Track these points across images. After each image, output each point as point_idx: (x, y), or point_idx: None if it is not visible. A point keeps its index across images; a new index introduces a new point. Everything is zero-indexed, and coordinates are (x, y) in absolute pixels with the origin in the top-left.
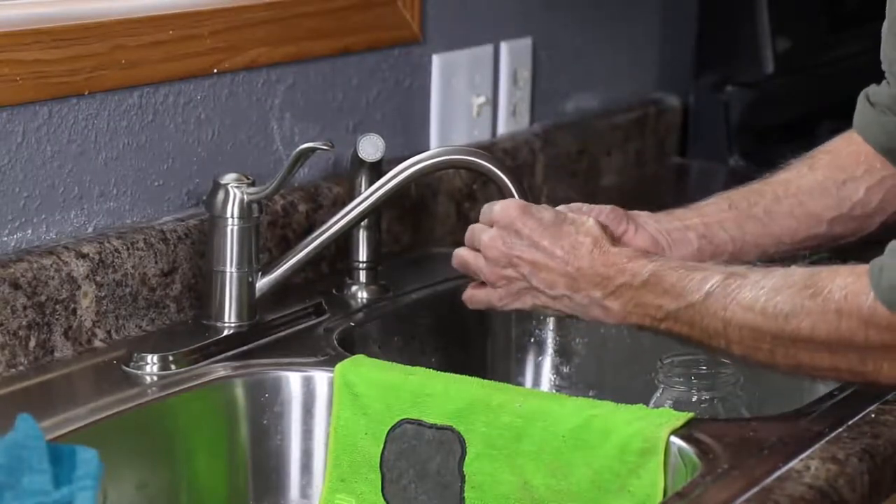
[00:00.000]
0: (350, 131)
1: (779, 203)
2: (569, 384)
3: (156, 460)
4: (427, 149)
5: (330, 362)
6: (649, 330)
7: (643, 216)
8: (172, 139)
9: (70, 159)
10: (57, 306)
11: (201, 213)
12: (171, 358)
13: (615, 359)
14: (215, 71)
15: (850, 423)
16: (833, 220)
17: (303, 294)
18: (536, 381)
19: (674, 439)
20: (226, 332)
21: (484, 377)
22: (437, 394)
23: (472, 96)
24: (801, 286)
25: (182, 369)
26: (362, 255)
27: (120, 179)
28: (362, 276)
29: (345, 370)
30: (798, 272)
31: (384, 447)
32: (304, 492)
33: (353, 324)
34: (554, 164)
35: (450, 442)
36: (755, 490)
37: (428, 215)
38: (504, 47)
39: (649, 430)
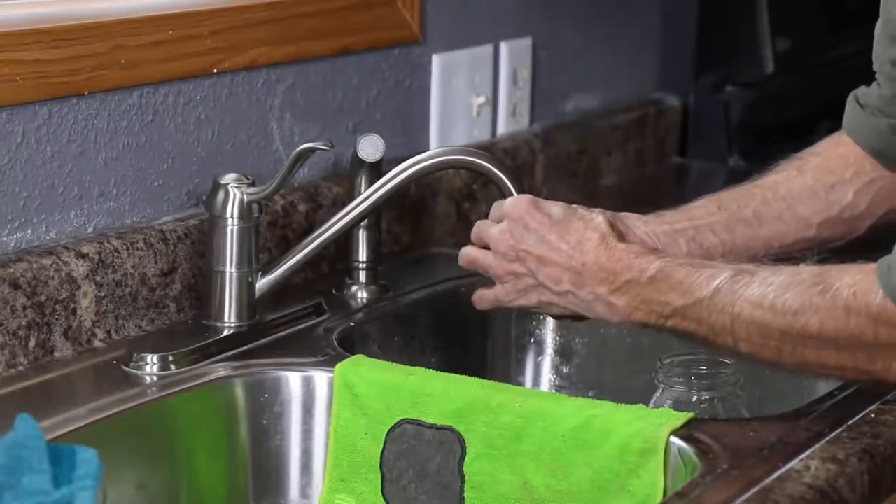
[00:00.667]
0: (350, 131)
1: (768, 206)
2: (569, 384)
3: (156, 460)
4: (427, 149)
5: (330, 362)
6: (654, 327)
7: (632, 218)
8: (172, 139)
9: (70, 159)
10: (57, 306)
11: (201, 213)
12: (170, 358)
13: (615, 359)
14: (215, 71)
15: (850, 423)
16: (822, 224)
17: (303, 294)
18: (536, 381)
19: (674, 439)
20: (226, 332)
21: (484, 377)
22: (437, 394)
23: (472, 96)
24: (810, 283)
25: (182, 369)
26: (362, 255)
27: (120, 179)
28: (362, 276)
29: (345, 370)
30: (807, 270)
31: (384, 447)
32: (304, 492)
33: (353, 324)
34: (554, 164)
35: (450, 442)
36: (755, 490)
37: (428, 215)
38: (504, 47)
39: (649, 430)
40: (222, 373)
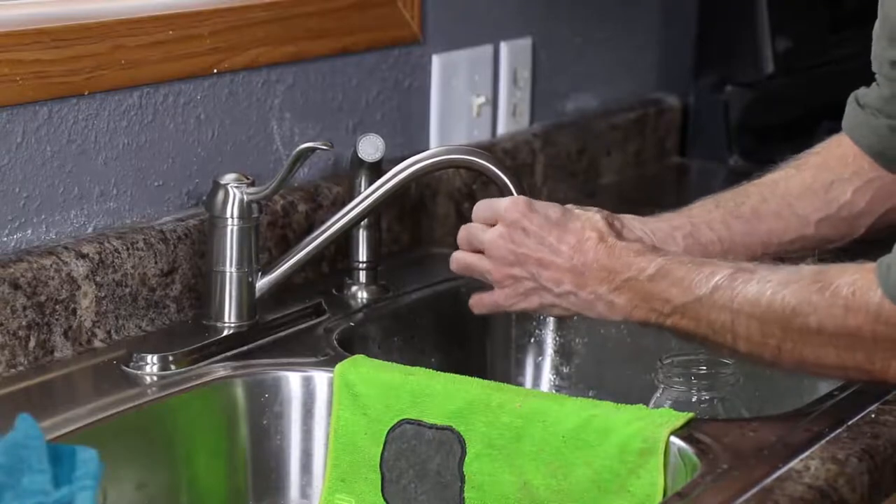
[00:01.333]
0: (350, 131)
1: (766, 203)
2: (569, 384)
3: (156, 460)
4: (427, 149)
5: (330, 362)
6: (654, 326)
7: (628, 218)
8: (172, 139)
9: (70, 159)
10: (57, 306)
11: (201, 213)
12: (171, 358)
13: (615, 359)
14: (215, 71)
15: (850, 423)
16: (820, 222)
17: (303, 294)
18: (536, 381)
19: (674, 439)
20: (226, 332)
21: (484, 377)
22: (437, 394)
23: (471, 96)
24: (810, 281)
25: (182, 369)
26: (362, 255)
27: (120, 179)
28: (362, 276)
29: (345, 370)
30: (806, 268)
31: (384, 447)
32: (304, 492)
33: (352, 324)
34: (554, 164)
35: (450, 442)
36: (755, 490)
37: (428, 215)
38: (504, 47)
39: (649, 430)
40: (222, 373)
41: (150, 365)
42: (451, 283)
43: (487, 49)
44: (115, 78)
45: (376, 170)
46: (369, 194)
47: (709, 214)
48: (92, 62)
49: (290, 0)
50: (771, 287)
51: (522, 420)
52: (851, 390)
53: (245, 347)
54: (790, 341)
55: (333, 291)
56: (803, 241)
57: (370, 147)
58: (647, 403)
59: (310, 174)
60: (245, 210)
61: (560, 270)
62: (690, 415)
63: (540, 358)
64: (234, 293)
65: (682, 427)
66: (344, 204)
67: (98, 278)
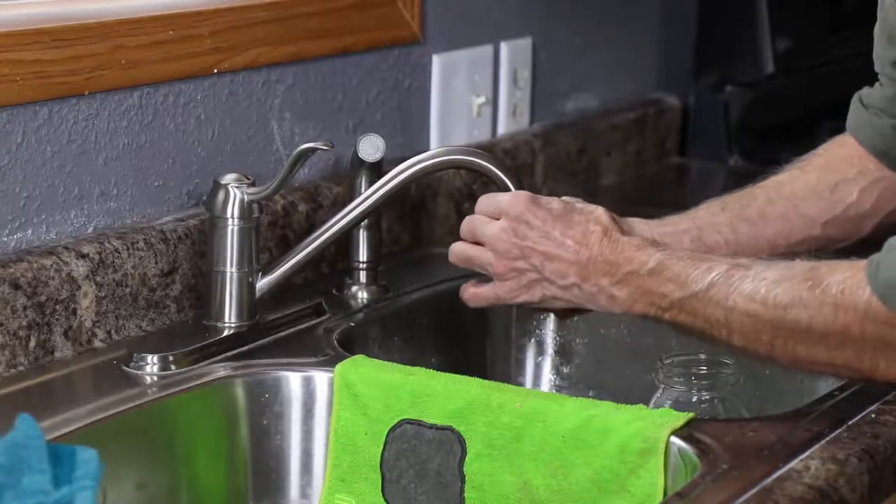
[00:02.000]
0: (350, 131)
1: (772, 205)
2: (569, 384)
3: (156, 460)
4: (427, 149)
5: (330, 362)
6: (654, 319)
7: (635, 221)
8: (172, 139)
9: (70, 159)
10: (57, 306)
11: (201, 213)
12: (171, 358)
13: (615, 359)
14: (215, 71)
15: (850, 423)
16: (827, 223)
17: (303, 294)
18: (536, 381)
19: (674, 439)
20: (226, 333)
21: (484, 377)
22: (437, 394)
23: (472, 96)
24: (801, 279)
25: (182, 369)
26: (362, 255)
27: (120, 179)
28: (362, 276)
29: (345, 370)
30: (799, 265)
31: (384, 447)
32: (304, 492)
33: (353, 324)
34: (554, 164)
35: (450, 442)
36: (755, 490)
37: (428, 216)
38: (504, 47)
39: (649, 430)
40: (222, 373)
41: (151, 365)
42: (451, 283)
43: (487, 49)
44: (115, 78)
45: (376, 170)
46: (370, 195)
47: (715, 217)
48: (92, 62)
49: (290, 0)
50: (765, 285)
51: (522, 420)
52: (851, 390)
53: (245, 347)
54: (782, 338)
55: (334, 291)
56: (810, 242)
57: (370, 147)
58: (647, 403)
59: (310, 174)
60: (245, 210)
61: (565, 263)
62: (690, 415)
63: (540, 358)
64: (234, 293)
65: (682, 427)
66: (344, 204)
67: (98, 278)
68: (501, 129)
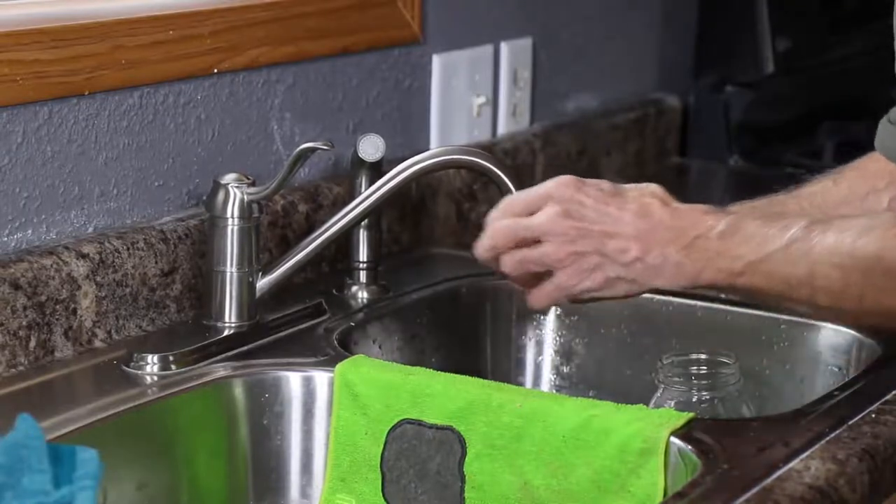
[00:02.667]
0: (350, 131)
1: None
2: (569, 384)
3: (156, 460)
4: (427, 149)
5: (330, 362)
6: (723, 288)
7: None
8: (172, 139)
9: (70, 159)
10: (57, 306)
11: (201, 213)
12: (171, 358)
13: (615, 359)
14: (215, 71)
15: (850, 423)
16: None
17: (303, 294)
18: (536, 381)
19: (674, 439)
20: (226, 332)
21: (484, 377)
22: (437, 394)
23: (472, 96)
24: (891, 225)
25: (182, 369)
26: (362, 255)
27: (120, 179)
28: (362, 276)
29: (345, 370)
30: (884, 214)
31: (384, 447)
32: (304, 492)
33: (353, 324)
34: (554, 164)
35: (450, 442)
36: (755, 490)
37: (428, 216)
38: (504, 47)
39: (649, 430)
40: (222, 373)
41: (151, 365)
42: (451, 283)
43: (487, 49)
44: (115, 78)
45: (377, 170)
46: (370, 194)
47: None
48: (92, 62)
49: (290, 0)
50: (850, 235)
51: (522, 420)
52: (851, 390)
53: (245, 347)
54: (873, 289)
55: (334, 291)
56: None
57: (370, 147)
58: (647, 403)
59: (310, 174)
60: (245, 210)
61: (625, 238)
62: (690, 415)
63: (540, 358)
64: (234, 293)
65: (682, 427)
66: (344, 204)
67: (98, 278)
68: (501, 129)
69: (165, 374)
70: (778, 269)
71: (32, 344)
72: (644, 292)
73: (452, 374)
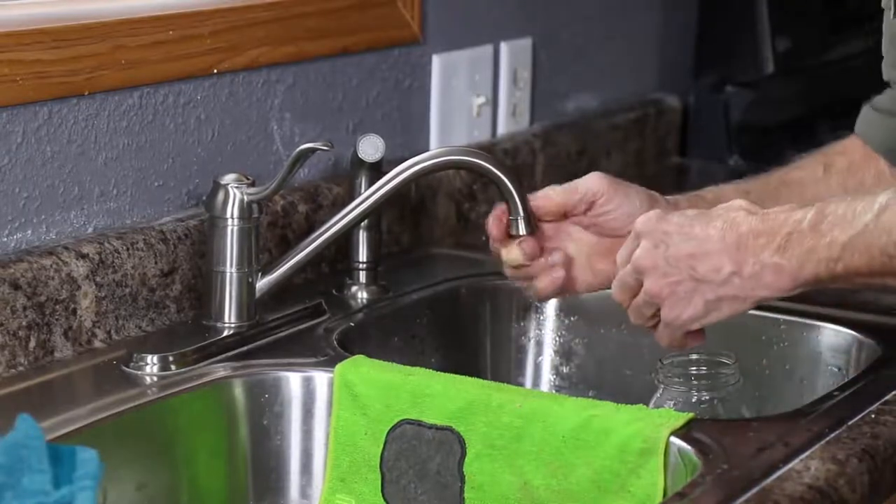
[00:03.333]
0: (350, 131)
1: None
2: (569, 384)
3: (156, 460)
4: (427, 149)
5: (330, 362)
6: (827, 280)
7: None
8: (172, 139)
9: (70, 159)
10: (57, 306)
11: (201, 214)
12: (171, 358)
13: (615, 359)
14: (215, 71)
15: (850, 423)
16: None
17: (303, 294)
18: (536, 381)
19: (674, 439)
20: (226, 333)
21: (484, 377)
22: (437, 394)
23: (472, 96)
24: None
25: (182, 369)
26: (362, 255)
27: (120, 180)
28: (362, 276)
29: (344, 370)
30: None
31: (384, 447)
32: (304, 492)
33: (352, 324)
34: (554, 164)
35: (450, 442)
36: (755, 490)
37: (428, 216)
38: (504, 47)
39: (649, 430)
40: (222, 373)
41: (150, 365)
42: (451, 283)
43: (487, 49)
44: (115, 78)
45: (376, 170)
46: (369, 195)
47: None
48: (92, 62)
49: (290, 0)
50: None
51: (522, 420)
52: (851, 390)
53: (245, 348)
54: None
55: (333, 292)
56: None
57: (370, 147)
58: (647, 403)
59: (310, 175)
60: (245, 210)
61: (715, 255)
62: (690, 415)
63: (540, 358)
64: (234, 293)
65: (682, 427)
66: (344, 204)
67: (98, 278)
68: (501, 130)
69: (165, 374)
70: (874, 242)
71: (32, 344)
72: (752, 308)
73: (452, 375)
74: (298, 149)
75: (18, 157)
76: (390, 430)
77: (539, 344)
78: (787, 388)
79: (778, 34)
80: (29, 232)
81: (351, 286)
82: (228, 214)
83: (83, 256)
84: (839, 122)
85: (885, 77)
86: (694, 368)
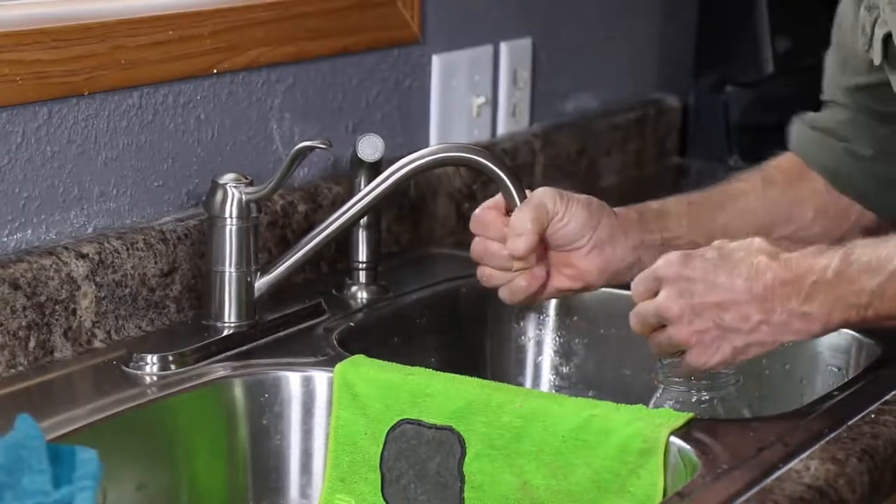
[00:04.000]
0: (349, 131)
1: (733, 223)
2: (569, 384)
3: (155, 460)
4: None
5: (329, 362)
6: (857, 324)
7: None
8: (172, 139)
9: (70, 159)
10: (57, 307)
11: (201, 214)
12: (170, 358)
13: (615, 359)
14: (215, 71)
15: (850, 423)
16: (780, 239)
17: (302, 294)
18: (536, 381)
19: (674, 439)
20: (225, 332)
21: (484, 377)
22: (437, 394)
23: (471, 96)
24: None
25: (182, 369)
26: (362, 255)
27: (120, 179)
28: (362, 276)
29: (344, 370)
30: None
31: (384, 447)
32: (304, 492)
33: (352, 324)
34: (553, 164)
35: (449, 442)
36: (755, 490)
37: (428, 215)
38: (504, 47)
39: (649, 430)
40: (222, 373)
41: (150, 365)
42: (451, 283)
43: (487, 49)
44: (115, 78)
45: (376, 170)
46: (368, 192)
47: (681, 230)
48: (92, 62)
49: (290, 0)
50: None
51: (522, 420)
52: (851, 390)
53: (245, 347)
54: None
55: (333, 291)
56: None
57: (370, 147)
58: (647, 403)
59: (309, 174)
60: (244, 210)
61: (742, 305)
62: (690, 415)
63: (540, 358)
64: (233, 293)
65: (682, 427)
66: (343, 204)
67: (98, 278)
68: (501, 130)
69: (165, 374)
70: None
71: (32, 344)
72: (777, 347)
73: (452, 374)
74: (297, 147)
75: (18, 157)
76: (390, 429)
77: (539, 344)
78: (787, 388)
79: (778, 34)
80: (29, 232)
81: (351, 286)
82: (227, 214)
83: (83, 256)
84: None
85: (828, 96)
86: None
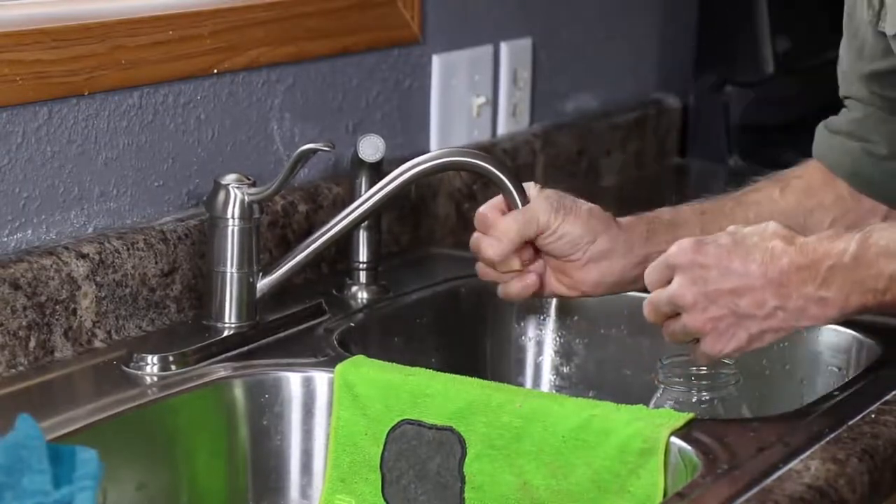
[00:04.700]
0: (350, 132)
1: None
2: (569, 384)
3: (156, 460)
4: (427, 149)
5: (330, 363)
6: (874, 308)
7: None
8: (172, 139)
9: (70, 159)
10: (57, 307)
11: (201, 214)
12: (171, 358)
13: (615, 359)
14: (215, 71)
15: (850, 423)
16: None
17: (303, 295)
18: (536, 381)
19: (674, 439)
20: (226, 333)
21: (484, 377)
22: (437, 394)
23: (471, 97)
24: None
25: (182, 369)
26: (362, 255)
27: (120, 180)
28: (362, 276)
29: (345, 370)
30: None
31: (384, 447)
32: (304, 492)
33: (353, 324)
34: (554, 164)
35: (450, 442)
36: (755, 490)
37: (428, 216)
38: (504, 47)
39: (649, 430)
40: (222, 373)
41: (151, 365)
42: (451, 283)
43: (487, 49)
44: (115, 78)
45: (376, 170)
46: (370, 196)
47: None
48: (92, 62)
49: (290, 0)
50: None
51: (522, 420)
52: (851, 390)
53: (245, 348)
54: None
55: (334, 292)
56: None
57: (370, 147)
58: (647, 403)
59: (310, 175)
60: (246, 210)
61: (758, 291)
62: (690, 415)
63: (540, 358)
64: (234, 293)
65: (682, 427)
66: (344, 204)
67: (98, 278)
68: (501, 130)
69: (165, 374)
70: None
71: (32, 344)
72: (792, 332)
73: (452, 375)
74: (300, 149)
75: (18, 157)
76: (390, 430)
77: (539, 344)
78: (787, 388)
79: (778, 34)
80: (29, 232)
81: (351, 286)
82: (229, 214)
83: (83, 256)
84: None
85: (844, 91)
86: (694, 368)
